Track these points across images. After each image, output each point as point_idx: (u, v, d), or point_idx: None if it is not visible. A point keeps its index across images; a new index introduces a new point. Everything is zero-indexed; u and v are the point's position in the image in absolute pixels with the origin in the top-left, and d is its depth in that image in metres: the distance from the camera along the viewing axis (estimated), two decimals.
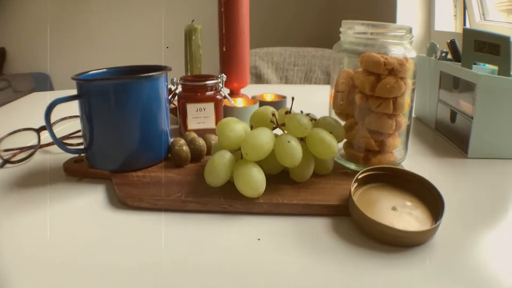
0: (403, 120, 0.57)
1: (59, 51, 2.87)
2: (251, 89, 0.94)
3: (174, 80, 0.78)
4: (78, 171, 0.59)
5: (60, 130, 0.82)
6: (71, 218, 0.49)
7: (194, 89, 0.76)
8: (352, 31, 0.56)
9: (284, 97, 0.90)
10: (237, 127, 0.51)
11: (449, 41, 0.82)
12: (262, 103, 0.86)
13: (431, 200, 0.48)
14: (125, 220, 0.49)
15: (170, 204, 0.50)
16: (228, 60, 0.89)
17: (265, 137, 0.49)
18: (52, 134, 0.56)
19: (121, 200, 0.52)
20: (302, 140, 0.52)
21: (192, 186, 0.53)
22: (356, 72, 0.56)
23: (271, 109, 0.55)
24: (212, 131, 0.78)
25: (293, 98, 0.56)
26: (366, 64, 0.54)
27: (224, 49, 0.88)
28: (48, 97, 1.18)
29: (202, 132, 0.77)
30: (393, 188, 0.51)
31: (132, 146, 0.57)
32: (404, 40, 0.54)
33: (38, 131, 0.72)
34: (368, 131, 0.56)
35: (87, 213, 0.50)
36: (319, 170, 0.55)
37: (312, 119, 0.56)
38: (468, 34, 0.72)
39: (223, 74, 0.80)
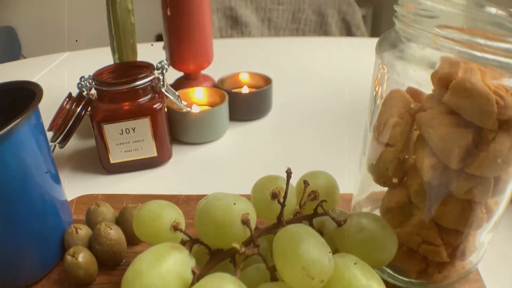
0: (495, 203, 0.28)
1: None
2: (219, 53, 0.61)
3: (84, 81, 0.47)
4: None
5: None
6: None
7: (115, 96, 0.45)
8: (427, 24, 0.24)
9: (269, 81, 0.58)
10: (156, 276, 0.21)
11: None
12: (233, 97, 0.55)
13: None
14: None
15: None
16: (177, 30, 0.56)
17: None
18: None
19: None
20: None
21: None
22: (426, 107, 0.25)
23: (238, 212, 0.24)
24: (152, 161, 0.48)
25: (289, 173, 0.26)
26: (459, 104, 0.23)
27: (168, 13, 0.55)
28: None
29: (134, 164, 0.47)
30: None
31: None
32: None
33: None
34: (437, 226, 0.28)
35: None
36: None
37: (336, 220, 0.26)
38: None
39: (163, 61, 0.49)
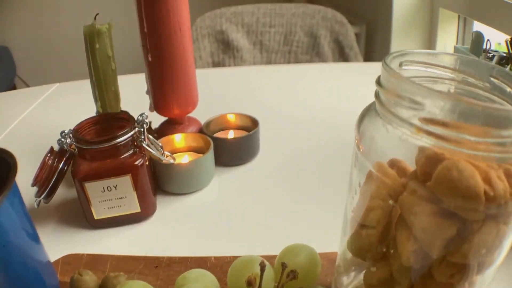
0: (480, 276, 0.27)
1: (18, 19, 2.41)
2: (206, 89, 0.60)
3: (65, 137, 0.46)
4: None
5: None
6: None
7: (96, 154, 0.44)
8: (410, 114, 0.23)
9: (257, 123, 0.57)
10: None
11: (510, 38, 0.50)
12: (219, 142, 0.54)
13: None
14: None
15: None
16: (159, 76, 0.55)
17: None
18: None
19: None
20: None
21: None
22: (409, 190, 0.24)
23: None
24: (136, 216, 0.47)
25: (263, 266, 0.25)
26: (443, 196, 0.22)
27: (149, 59, 0.54)
28: None
29: (119, 220, 0.47)
30: None
31: None
32: None
33: None
34: None
35: None
36: None
37: None
38: None
39: (144, 114, 0.48)
